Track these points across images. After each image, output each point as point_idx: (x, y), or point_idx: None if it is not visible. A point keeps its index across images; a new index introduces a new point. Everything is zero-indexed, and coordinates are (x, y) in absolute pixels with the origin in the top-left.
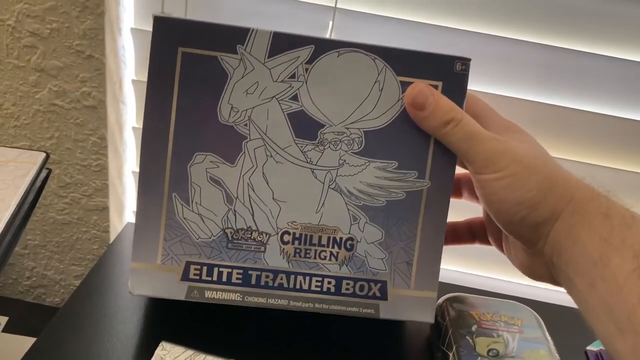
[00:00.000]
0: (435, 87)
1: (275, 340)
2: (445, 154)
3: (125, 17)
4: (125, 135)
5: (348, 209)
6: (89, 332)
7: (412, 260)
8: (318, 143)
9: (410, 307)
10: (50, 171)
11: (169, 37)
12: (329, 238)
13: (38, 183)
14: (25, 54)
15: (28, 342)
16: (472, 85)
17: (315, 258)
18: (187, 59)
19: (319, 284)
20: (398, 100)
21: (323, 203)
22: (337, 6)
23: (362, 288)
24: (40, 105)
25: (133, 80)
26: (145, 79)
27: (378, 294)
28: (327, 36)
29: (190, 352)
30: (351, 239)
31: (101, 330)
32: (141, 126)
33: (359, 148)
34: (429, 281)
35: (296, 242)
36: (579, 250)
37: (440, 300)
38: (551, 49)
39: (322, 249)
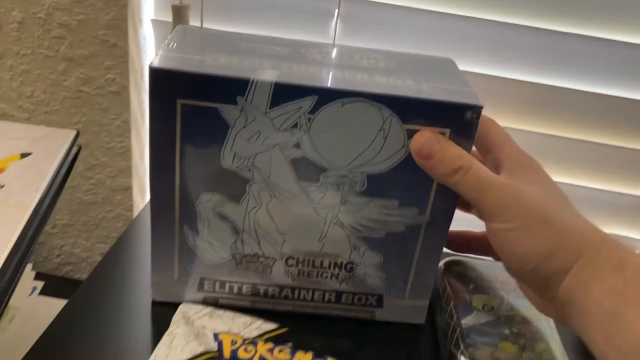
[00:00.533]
0: (443, 134)
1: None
2: (446, 194)
3: (145, 9)
4: (146, 119)
5: (349, 240)
6: (115, 296)
7: (407, 278)
8: (321, 185)
9: (404, 312)
10: (80, 148)
11: (167, 89)
12: (330, 262)
13: (70, 157)
14: (55, 44)
15: (61, 303)
16: (478, 68)
17: (317, 277)
18: (187, 111)
19: (321, 295)
20: (403, 147)
21: (325, 235)
22: None
23: (360, 299)
24: (68, 92)
25: None
26: None
27: (375, 304)
28: (333, 25)
29: (209, 308)
30: (351, 262)
31: (126, 294)
32: None
33: (361, 188)
34: (422, 293)
35: (300, 265)
36: (592, 303)
37: (441, 263)
38: (543, 32)
39: (323, 270)
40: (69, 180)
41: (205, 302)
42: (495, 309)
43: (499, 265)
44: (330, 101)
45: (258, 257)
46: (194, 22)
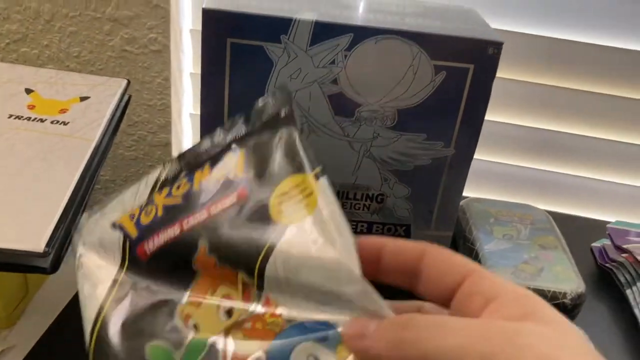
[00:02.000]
0: (467, 69)
1: None
2: (469, 126)
3: None
4: (184, 79)
5: (380, 173)
6: None
7: (433, 209)
8: (355, 120)
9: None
10: (130, 96)
11: (218, 29)
12: (362, 194)
13: (123, 102)
14: (101, 6)
15: None
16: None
17: (350, 209)
18: (235, 49)
19: (354, 226)
20: (430, 82)
21: (358, 168)
22: None
23: (389, 229)
24: (113, 51)
25: (191, 30)
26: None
27: (403, 234)
28: None
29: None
30: (382, 194)
31: None
32: (198, 72)
33: (392, 123)
34: (447, 224)
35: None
36: None
37: (463, 201)
38: None
39: (356, 202)
40: None
41: None
42: (514, 238)
43: (517, 204)
44: (364, 38)
45: None
46: None
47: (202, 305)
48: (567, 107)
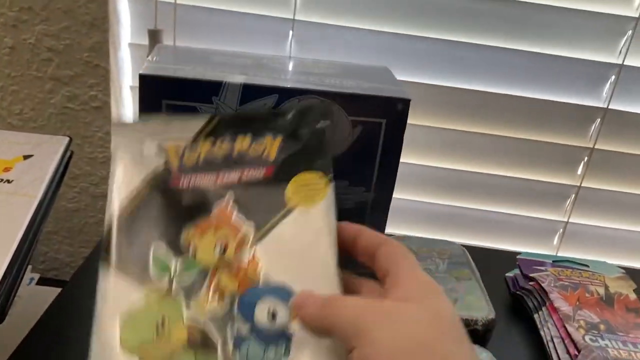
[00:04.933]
0: (380, 123)
1: None
2: (387, 172)
3: (123, 33)
4: None
5: None
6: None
7: None
8: None
9: None
10: (72, 152)
11: (153, 92)
12: None
13: (66, 158)
14: (43, 66)
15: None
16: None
17: None
18: (170, 110)
19: None
20: (349, 135)
21: None
22: (296, 18)
23: None
24: (54, 108)
25: (131, 86)
26: None
27: None
28: (288, 46)
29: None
30: None
31: None
32: None
33: None
34: None
35: None
36: None
37: None
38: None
39: None
40: None
41: None
42: (432, 271)
43: (436, 240)
44: (288, 98)
45: None
46: (167, 43)
47: (204, 237)
48: (478, 149)
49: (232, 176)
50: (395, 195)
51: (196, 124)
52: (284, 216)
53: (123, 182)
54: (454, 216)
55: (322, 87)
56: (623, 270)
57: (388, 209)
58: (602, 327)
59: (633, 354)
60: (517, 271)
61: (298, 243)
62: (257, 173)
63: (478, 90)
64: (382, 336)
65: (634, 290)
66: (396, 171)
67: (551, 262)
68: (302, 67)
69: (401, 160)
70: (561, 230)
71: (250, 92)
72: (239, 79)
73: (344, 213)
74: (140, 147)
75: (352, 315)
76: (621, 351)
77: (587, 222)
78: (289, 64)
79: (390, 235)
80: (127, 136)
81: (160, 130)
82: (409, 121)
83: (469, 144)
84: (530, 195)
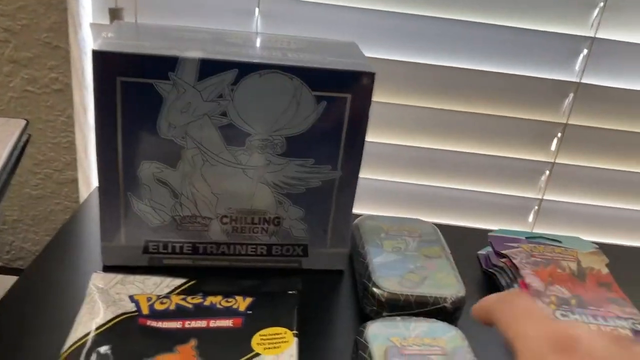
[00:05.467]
0: (345, 98)
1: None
2: (353, 150)
3: (84, 13)
4: (89, 115)
5: (274, 197)
6: (69, 264)
7: (327, 228)
8: (247, 148)
9: (327, 260)
10: (30, 136)
11: (107, 68)
12: (260, 218)
13: (21, 143)
14: (0, 48)
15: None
16: (387, 54)
17: (250, 233)
18: (125, 87)
19: (254, 249)
20: (313, 112)
21: (254, 193)
22: None
23: (287, 250)
24: (14, 92)
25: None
26: None
27: (301, 253)
28: (254, 23)
29: (120, 276)
30: (278, 217)
31: (80, 261)
32: None
33: (282, 150)
34: (341, 241)
35: (233, 222)
36: None
37: (357, 219)
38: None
39: (254, 226)
40: (17, 177)
41: (151, 263)
42: (402, 250)
43: (407, 219)
44: (248, 73)
45: (196, 218)
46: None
47: None
48: (450, 127)
49: (200, 323)
50: (367, 175)
51: (172, 283)
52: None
53: (93, 313)
54: (427, 196)
55: (284, 61)
56: (596, 246)
57: (355, 188)
58: (573, 302)
59: (603, 327)
60: (489, 249)
61: None
62: (226, 323)
63: (449, 67)
64: None
65: (606, 265)
66: (362, 148)
67: (524, 238)
68: (265, 42)
69: (373, 139)
70: (536, 207)
71: (208, 67)
72: (196, 54)
73: (310, 192)
74: (114, 296)
75: None
76: (591, 325)
77: (562, 199)
78: (252, 39)
79: (360, 215)
80: (102, 287)
81: (135, 287)
82: (380, 99)
83: (441, 122)
84: (504, 173)
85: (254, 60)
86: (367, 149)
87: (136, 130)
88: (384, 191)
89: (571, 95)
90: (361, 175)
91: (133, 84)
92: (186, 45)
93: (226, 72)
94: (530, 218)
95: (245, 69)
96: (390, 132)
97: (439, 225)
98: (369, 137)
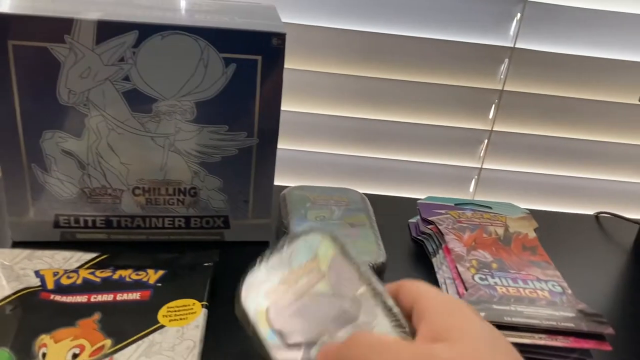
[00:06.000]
0: (256, 61)
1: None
2: (269, 115)
3: None
4: None
5: (188, 166)
6: None
7: (248, 198)
8: (154, 115)
9: (251, 231)
10: None
11: None
12: (174, 189)
13: None
14: None
15: None
16: (314, 21)
17: (164, 204)
18: (19, 51)
19: (171, 222)
20: (222, 75)
21: (166, 163)
22: None
23: (207, 222)
24: None
25: None
26: None
27: (222, 225)
28: None
29: (27, 251)
30: (194, 188)
31: None
32: None
33: (192, 117)
34: (263, 211)
35: (146, 194)
36: None
37: (285, 190)
38: None
39: (170, 197)
40: None
41: (64, 238)
42: (326, 218)
43: (335, 188)
44: (150, 35)
45: (106, 190)
46: None
47: (59, 343)
48: (384, 96)
49: (106, 296)
50: (298, 147)
51: (83, 257)
52: (153, 331)
53: None
54: (368, 168)
55: (188, 22)
56: (527, 211)
57: (274, 156)
58: (494, 265)
59: (522, 290)
60: (418, 217)
61: (163, 351)
62: (133, 295)
63: (381, 33)
64: None
65: (535, 229)
66: (278, 113)
67: (453, 205)
68: (171, 4)
69: (303, 110)
70: (476, 176)
71: (106, 29)
72: (93, 15)
73: (227, 161)
74: (19, 272)
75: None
76: (510, 288)
77: (502, 167)
78: (162, 2)
79: (286, 186)
80: (10, 262)
81: (44, 260)
82: (309, 68)
83: (374, 91)
84: (442, 142)
85: (154, 22)
86: (301, 119)
87: (35, 97)
88: (321, 163)
89: (506, 60)
90: (297, 147)
91: (27, 47)
92: (84, 7)
93: (126, 34)
94: (472, 187)
95: (146, 30)
96: (322, 102)
97: (376, 196)
98: (303, 107)
